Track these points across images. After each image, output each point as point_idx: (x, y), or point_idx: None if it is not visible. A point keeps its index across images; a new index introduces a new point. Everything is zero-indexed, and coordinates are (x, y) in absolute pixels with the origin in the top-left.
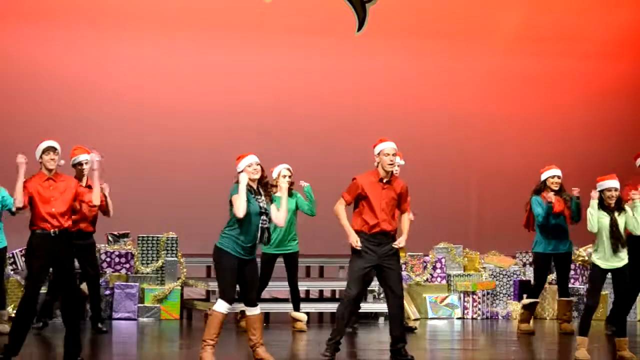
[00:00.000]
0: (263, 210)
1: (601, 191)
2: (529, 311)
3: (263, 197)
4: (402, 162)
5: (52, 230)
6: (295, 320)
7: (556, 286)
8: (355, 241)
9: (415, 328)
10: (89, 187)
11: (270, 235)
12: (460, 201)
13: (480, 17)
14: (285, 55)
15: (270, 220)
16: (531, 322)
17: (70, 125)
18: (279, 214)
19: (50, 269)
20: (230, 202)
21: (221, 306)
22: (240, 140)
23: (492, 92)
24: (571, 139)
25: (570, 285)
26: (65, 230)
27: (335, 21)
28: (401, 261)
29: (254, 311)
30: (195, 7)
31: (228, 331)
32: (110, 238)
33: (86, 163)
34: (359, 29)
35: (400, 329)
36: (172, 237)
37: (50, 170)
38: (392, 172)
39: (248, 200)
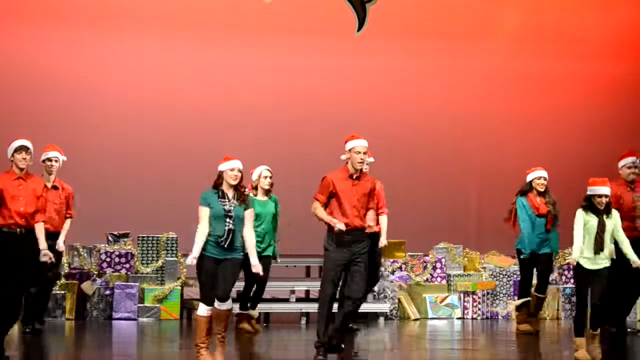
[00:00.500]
0: (227, 213)
1: (591, 195)
2: (524, 311)
3: (233, 201)
4: (371, 159)
5: (18, 230)
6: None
7: (556, 286)
8: (339, 225)
9: (358, 329)
10: (55, 187)
11: (232, 239)
12: (460, 201)
13: (480, 17)
14: (285, 55)
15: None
16: None
17: (70, 125)
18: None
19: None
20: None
21: (202, 310)
22: (240, 140)
23: (492, 92)
24: (571, 139)
25: (571, 285)
26: (32, 230)
27: (335, 21)
28: (401, 261)
29: (221, 306)
30: (195, 7)
31: (227, 332)
32: (110, 238)
33: (55, 160)
34: (359, 29)
35: (340, 331)
36: (172, 237)
37: (21, 170)
38: (361, 169)
39: (213, 207)
